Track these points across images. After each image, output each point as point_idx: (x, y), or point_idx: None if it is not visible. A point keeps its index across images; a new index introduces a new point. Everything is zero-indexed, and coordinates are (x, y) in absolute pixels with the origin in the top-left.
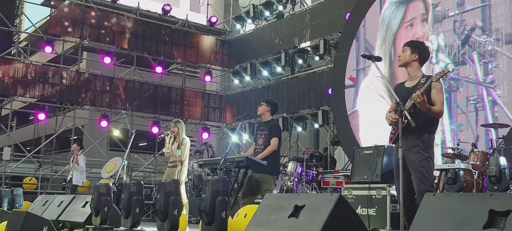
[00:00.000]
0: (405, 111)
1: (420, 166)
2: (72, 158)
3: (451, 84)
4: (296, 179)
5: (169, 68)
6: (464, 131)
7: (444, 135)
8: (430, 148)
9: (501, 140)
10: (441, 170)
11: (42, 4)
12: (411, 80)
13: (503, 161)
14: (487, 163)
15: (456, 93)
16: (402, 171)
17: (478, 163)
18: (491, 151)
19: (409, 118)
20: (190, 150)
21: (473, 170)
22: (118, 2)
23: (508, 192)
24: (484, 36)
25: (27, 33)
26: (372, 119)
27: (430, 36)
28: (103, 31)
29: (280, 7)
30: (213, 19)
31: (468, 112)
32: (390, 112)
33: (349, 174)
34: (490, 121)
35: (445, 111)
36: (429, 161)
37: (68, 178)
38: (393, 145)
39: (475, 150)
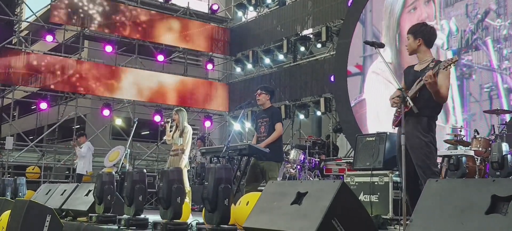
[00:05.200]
0: (408, 97)
1: (420, 153)
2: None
3: (464, 71)
4: (298, 167)
5: (171, 57)
6: (477, 120)
7: (457, 125)
8: (429, 132)
9: (503, 126)
10: (444, 156)
11: None
12: (420, 64)
13: (505, 147)
14: (490, 149)
15: (469, 80)
16: (406, 156)
17: (480, 149)
18: (493, 137)
19: (412, 104)
20: (192, 138)
21: (475, 156)
22: None
23: (510, 177)
24: (498, 20)
25: (28, 22)
26: (380, 106)
27: (441, 20)
28: (104, 20)
29: None
30: (215, 7)
31: (482, 101)
32: (393, 98)
33: (351, 161)
34: None
35: (458, 100)
36: (429, 145)
37: (75, 166)
38: (396, 129)
39: (477, 136)
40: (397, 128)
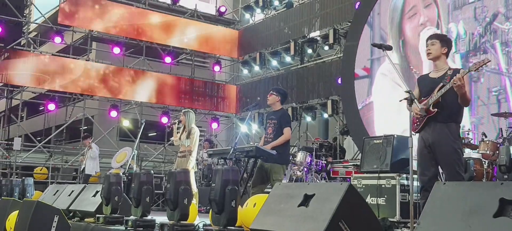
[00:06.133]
0: (415, 100)
1: (452, 159)
2: (86, 149)
3: (472, 75)
4: (305, 169)
5: (178, 58)
6: (485, 124)
7: (464, 128)
8: (458, 138)
9: (511, 129)
10: None
11: None
12: (437, 72)
13: None
14: (497, 152)
15: (477, 84)
16: (427, 159)
17: (488, 152)
18: (501, 140)
19: (418, 104)
20: (200, 139)
21: (483, 159)
22: None
23: None
24: (507, 24)
25: (36, 23)
26: (388, 109)
27: (448, 23)
28: (112, 21)
29: None
30: (222, 9)
31: (490, 104)
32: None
33: (358, 163)
34: None
35: None
36: (458, 152)
37: (82, 168)
38: (417, 134)
39: (485, 139)
40: (418, 134)
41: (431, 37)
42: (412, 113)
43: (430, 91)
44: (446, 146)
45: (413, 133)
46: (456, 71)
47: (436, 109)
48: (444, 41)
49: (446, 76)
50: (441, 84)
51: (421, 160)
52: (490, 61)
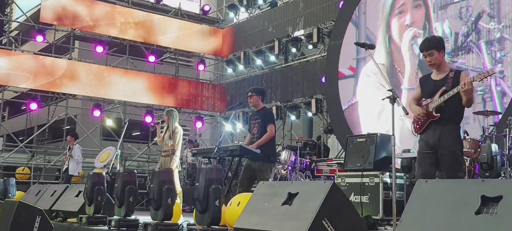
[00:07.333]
0: (398, 99)
1: (452, 162)
2: (68, 148)
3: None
4: (289, 167)
5: (162, 57)
6: (470, 123)
7: None
8: (459, 139)
9: (492, 127)
10: None
11: None
12: (438, 74)
13: (494, 148)
14: (479, 150)
15: None
16: (428, 160)
17: (470, 150)
18: (482, 138)
19: (401, 105)
20: (183, 139)
21: (465, 157)
22: None
23: (499, 178)
24: (492, 23)
25: (18, 22)
26: (373, 109)
27: (435, 22)
28: (95, 20)
29: None
30: (206, 8)
31: (475, 103)
32: (413, 100)
33: (342, 162)
34: None
35: None
36: (459, 154)
37: (64, 168)
38: (418, 135)
39: (466, 137)
40: (420, 135)
41: (425, 48)
42: (415, 113)
43: (432, 93)
44: (446, 148)
45: (414, 133)
46: (458, 73)
47: (439, 115)
48: (439, 45)
49: (448, 79)
50: (444, 88)
51: (422, 160)
52: (495, 73)
